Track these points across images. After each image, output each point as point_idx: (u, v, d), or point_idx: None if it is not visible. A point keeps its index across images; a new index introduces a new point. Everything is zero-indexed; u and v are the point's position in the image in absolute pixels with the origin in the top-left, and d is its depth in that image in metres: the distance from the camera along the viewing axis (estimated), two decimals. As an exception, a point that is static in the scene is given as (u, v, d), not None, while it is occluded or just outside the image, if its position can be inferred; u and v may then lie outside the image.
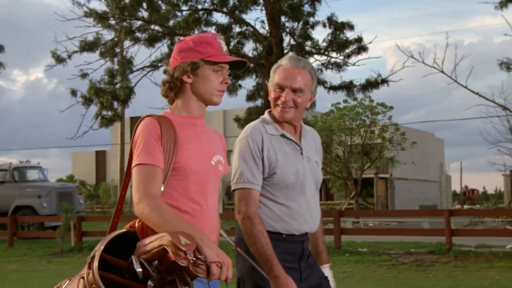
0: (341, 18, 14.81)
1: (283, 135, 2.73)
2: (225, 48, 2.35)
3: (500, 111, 22.86)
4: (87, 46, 12.36)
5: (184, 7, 13.41)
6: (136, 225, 2.19)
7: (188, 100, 2.36)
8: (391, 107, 32.44)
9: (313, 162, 2.83)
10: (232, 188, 2.68)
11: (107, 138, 46.94)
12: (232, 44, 13.95)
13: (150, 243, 1.93)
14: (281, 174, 2.66)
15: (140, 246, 1.96)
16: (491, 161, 53.07)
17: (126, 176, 2.36)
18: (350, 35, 13.70)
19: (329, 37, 13.62)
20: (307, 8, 13.03)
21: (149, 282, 1.88)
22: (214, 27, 14.25)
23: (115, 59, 12.99)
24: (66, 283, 2.12)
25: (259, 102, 14.67)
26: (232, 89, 14.58)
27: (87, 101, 12.42)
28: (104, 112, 12.72)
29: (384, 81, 13.19)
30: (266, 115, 2.80)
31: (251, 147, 2.66)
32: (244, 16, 13.84)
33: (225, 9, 13.58)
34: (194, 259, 1.85)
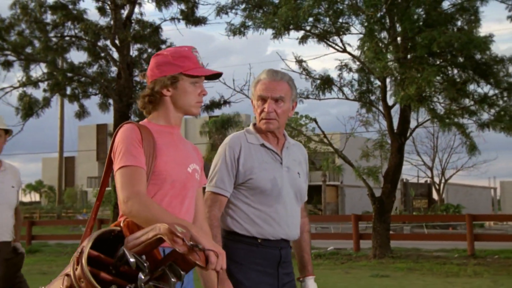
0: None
1: (263, 145, 2.84)
2: (201, 61, 2.41)
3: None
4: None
5: (51, 34, 15.14)
6: (122, 224, 2.09)
7: (167, 111, 2.39)
8: (315, 119, 33.98)
9: (294, 172, 2.90)
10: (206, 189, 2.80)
11: (74, 145, 48.66)
12: (95, 67, 15.74)
13: (143, 235, 1.90)
14: (256, 180, 2.75)
15: (130, 239, 1.92)
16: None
17: (102, 186, 2.36)
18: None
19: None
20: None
21: (140, 275, 1.84)
22: (86, 51, 15.95)
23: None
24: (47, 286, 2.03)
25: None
26: (105, 107, 16.26)
27: None
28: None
29: (226, 102, 15.03)
30: (250, 126, 2.94)
31: (227, 154, 2.78)
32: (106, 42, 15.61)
33: (88, 37, 15.26)
34: (192, 244, 1.81)
